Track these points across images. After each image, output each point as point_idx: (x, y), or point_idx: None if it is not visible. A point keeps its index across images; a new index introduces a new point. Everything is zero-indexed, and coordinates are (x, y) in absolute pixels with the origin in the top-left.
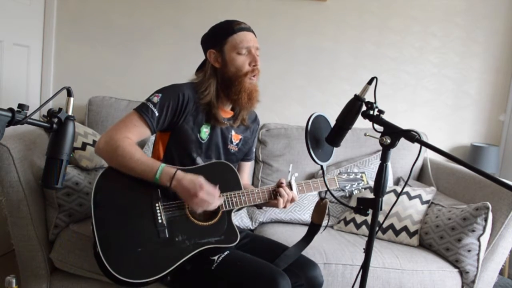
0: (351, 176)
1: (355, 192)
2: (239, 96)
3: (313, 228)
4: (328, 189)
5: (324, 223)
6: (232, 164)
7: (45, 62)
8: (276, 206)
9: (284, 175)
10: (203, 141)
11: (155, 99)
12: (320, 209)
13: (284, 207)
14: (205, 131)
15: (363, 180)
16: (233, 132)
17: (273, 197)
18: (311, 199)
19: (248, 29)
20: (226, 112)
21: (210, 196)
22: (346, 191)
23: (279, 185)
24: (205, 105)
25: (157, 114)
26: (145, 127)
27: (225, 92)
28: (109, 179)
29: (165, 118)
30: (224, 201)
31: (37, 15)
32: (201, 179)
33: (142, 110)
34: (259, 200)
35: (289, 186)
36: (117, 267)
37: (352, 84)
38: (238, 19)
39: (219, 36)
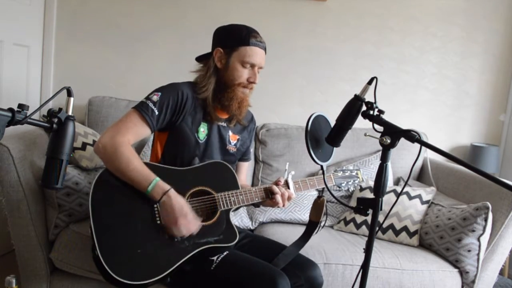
0: (347, 173)
1: (351, 189)
2: (230, 103)
3: (311, 225)
4: (328, 189)
5: (322, 221)
6: (231, 164)
7: (45, 62)
8: (272, 205)
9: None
10: (201, 141)
11: (155, 98)
12: (317, 207)
13: (278, 205)
14: (202, 131)
15: (358, 177)
16: (230, 133)
17: (270, 196)
18: (311, 199)
19: (262, 46)
20: (221, 113)
21: (189, 226)
22: (342, 188)
23: (276, 183)
24: (202, 101)
25: (157, 112)
26: (145, 126)
27: (219, 95)
28: (108, 180)
29: (164, 116)
30: (222, 201)
31: (37, 15)
32: (188, 208)
33: (142, 109)
34: (256, 199)
35: (286, 184)
36: (117, 269)
37: (352, 84)
38: (238, 19)
39: (233, 41)
